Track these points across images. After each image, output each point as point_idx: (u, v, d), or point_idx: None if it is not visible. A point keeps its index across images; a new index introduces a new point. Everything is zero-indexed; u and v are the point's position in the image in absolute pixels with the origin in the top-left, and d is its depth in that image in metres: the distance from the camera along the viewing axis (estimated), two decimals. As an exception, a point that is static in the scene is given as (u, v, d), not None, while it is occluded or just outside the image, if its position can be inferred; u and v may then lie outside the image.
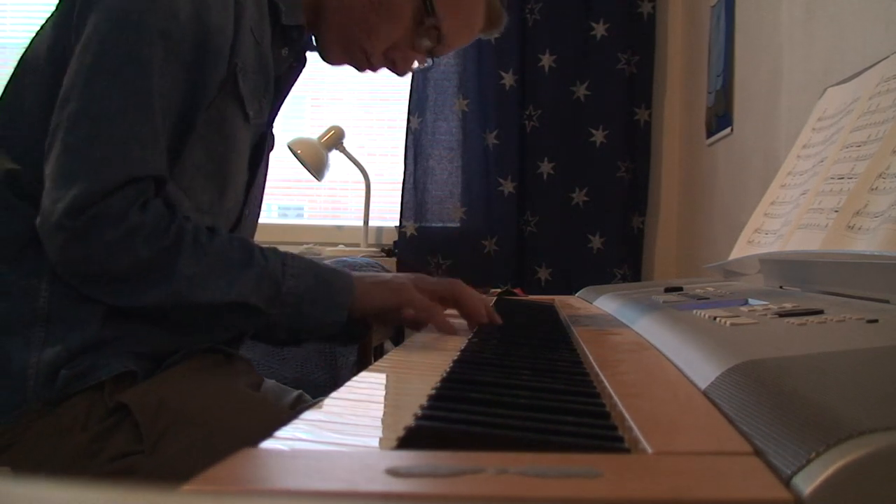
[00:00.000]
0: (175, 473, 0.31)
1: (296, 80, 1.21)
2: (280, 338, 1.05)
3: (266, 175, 1.25)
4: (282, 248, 1.02)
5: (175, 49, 0.92)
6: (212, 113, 0.98)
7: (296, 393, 1.19)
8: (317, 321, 1.00)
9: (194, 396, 0.96)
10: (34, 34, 1.01)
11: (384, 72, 1.20)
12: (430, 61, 1.21)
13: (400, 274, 1.08)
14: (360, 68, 1.18)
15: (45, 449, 0.89)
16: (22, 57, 1.00)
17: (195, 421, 0.92)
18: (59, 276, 0.93)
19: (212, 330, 1.03)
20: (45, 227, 0.89)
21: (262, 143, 1.15)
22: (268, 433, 0.39)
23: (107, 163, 0.89)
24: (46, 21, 1.00)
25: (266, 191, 1.26)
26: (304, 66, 1.20)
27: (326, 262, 1.53)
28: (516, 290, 2.20)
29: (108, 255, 0.89)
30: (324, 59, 1.19)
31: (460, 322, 1.06)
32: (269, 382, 1.19)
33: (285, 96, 1.20)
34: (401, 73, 1.19)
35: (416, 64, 1.21)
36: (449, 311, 1.06)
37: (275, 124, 1.26)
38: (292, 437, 0.41)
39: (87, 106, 0.90)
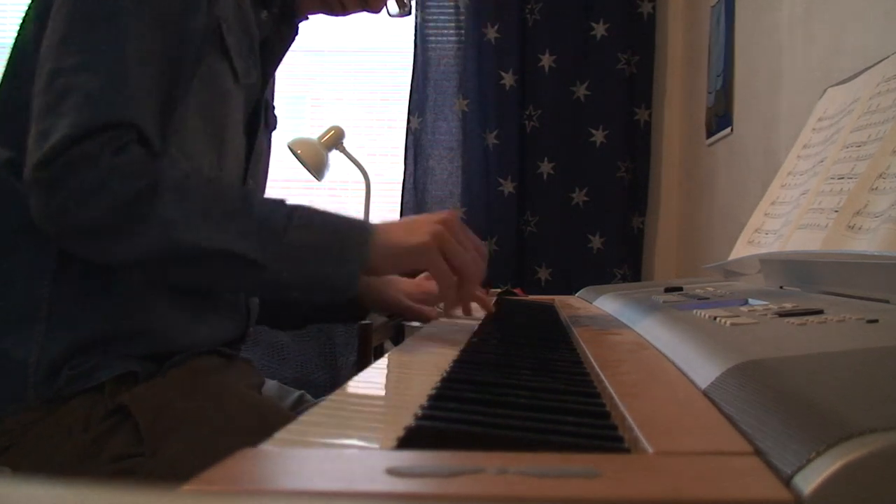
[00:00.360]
0: (175, 475, 0.31)
1: (287, 47, 1.17)
2: (294, 319, 1.02)
3: (269, 153, 1.23)
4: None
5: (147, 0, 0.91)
6: (202, 69, 0.97)
7: (297, 393, 1.19)
8: (326, 279, 0.91)
9: (195, 398, 0.95)
10: (20, 24, 1.00)
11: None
12: (407, 4, 1.18)
13: (430, 221, 0.96)
14: (334, 11, 1.15)
15: (46, 450, 0.89)
16: (13, 47, 0.99)
17: (195, 423, 0.92)
18: (60, 270, 0.92)
19: (209, 289, 0.99)
20: (26, 186, 0.87)
21: (258, 111, 1.13)
22: (268, 435, 0.39)
23: (77, 111, 0.87)
24: (30, 7, 0.99)
25: (266, 191, 1.25)
26: (296, 34, 1.18)
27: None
28: (516, 290, 2.19)
29: (84, 199, 0.86)
30: (297, 10, 1.16)
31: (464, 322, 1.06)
32: (271, 383, 1.19)
33: (276, 66, 1.17)
34: (376, 10, 1.16)
35: (392, 5, 1.18)
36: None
37: (276, 103, 1.24)
38: (292, 437, 0.41)
39: (59, 65, 0.88)
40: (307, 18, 1.19)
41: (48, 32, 0.91)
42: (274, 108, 1.25)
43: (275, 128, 1.24)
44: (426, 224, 0.95)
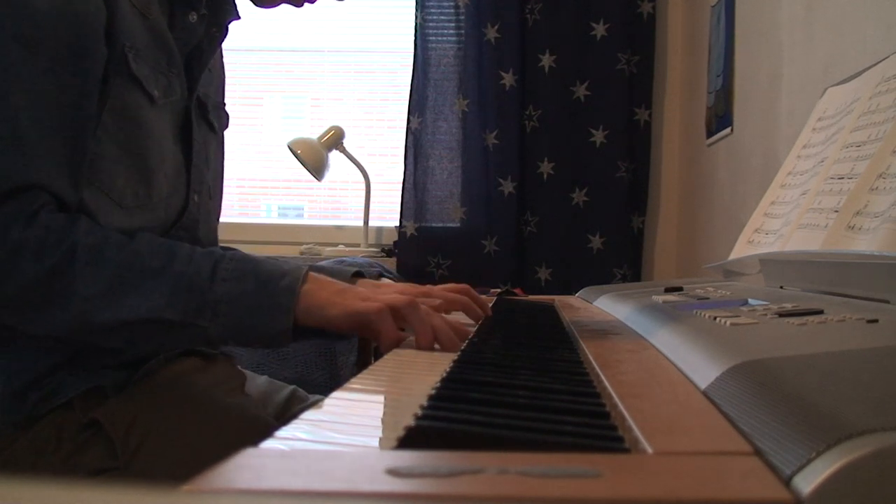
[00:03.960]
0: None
1: (215, 49, 1.11)
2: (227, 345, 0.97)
3: (220, 154, 1.18)
4: (282, 248, 0.93)
5: (35, 48, 0.86)
6: (112, 101, 0.92)
7: (290, 388, 1.18)
8: (261, 331, 0.86)
9: (168, 409, 0.94)
10: None
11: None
12: None
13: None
14: (298, 1, 1.09)
15: (16, 472, 0.88)
16: None
17: (169, 435, 0.91)
18: None
19: (137, 350, 0.95)
20: None
21: (189, 120, 1.06)
22: (246, 442, 0.38)
23: None
24: None
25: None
26: (225, 34, 1.11)
27: (324, 262, 1.45)
28: (516, 290, 2.19)
29: None
30: (256, 2, 1.10)
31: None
32: (261, 379, 1.18)
33: (203, 70, 1.09)
34: (298, 4, 1.09)
35: None
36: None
37: (226, 100, 1.19)
38: (292, 437, 0.41)
39: None
40: (238, 18, 1.13)
41: None
42: (224, 105, 1.19)
43: (226, 127, 1.19)
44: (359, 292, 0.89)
